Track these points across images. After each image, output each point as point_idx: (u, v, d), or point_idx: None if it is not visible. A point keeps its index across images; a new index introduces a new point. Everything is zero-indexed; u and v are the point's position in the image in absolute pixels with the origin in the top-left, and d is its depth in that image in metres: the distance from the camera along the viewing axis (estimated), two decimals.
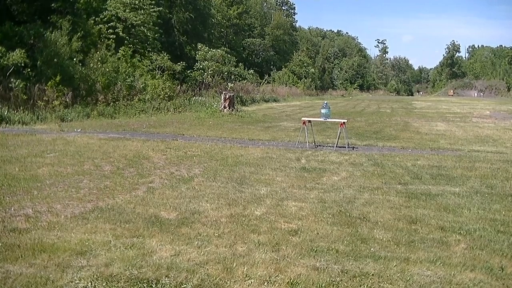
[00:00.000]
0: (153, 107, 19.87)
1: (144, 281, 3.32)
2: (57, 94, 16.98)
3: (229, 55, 34.04)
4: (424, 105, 34.78)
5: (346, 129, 11.04)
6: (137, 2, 27.10)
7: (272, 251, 4.00)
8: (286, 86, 46.25)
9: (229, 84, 29.54)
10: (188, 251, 3.94)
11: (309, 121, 11.34)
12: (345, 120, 11.38)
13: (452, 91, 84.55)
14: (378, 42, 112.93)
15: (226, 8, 49.82)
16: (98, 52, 20.89)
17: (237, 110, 20.53)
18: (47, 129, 13.07)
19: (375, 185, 6.77)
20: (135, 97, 20.45)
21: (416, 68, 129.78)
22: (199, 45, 32.53)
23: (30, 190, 5.83)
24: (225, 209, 5.28)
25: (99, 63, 20.33)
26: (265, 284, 3.38)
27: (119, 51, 22.78)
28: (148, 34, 27.24)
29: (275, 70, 52.42)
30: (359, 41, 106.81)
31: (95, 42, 22.12)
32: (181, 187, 6.28)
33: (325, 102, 11.90)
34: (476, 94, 77.23)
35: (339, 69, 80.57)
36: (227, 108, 20.02)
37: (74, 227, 4.51)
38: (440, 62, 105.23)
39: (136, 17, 26.41)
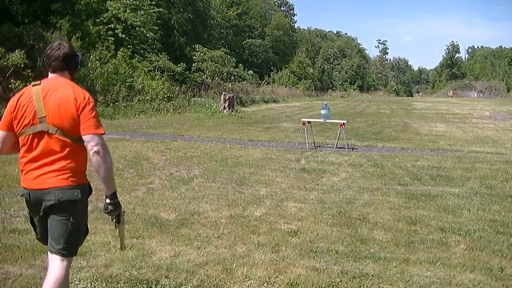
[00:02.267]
0: (153, 108, 19.86)
1: (144, 282, 3.32)
2: None
3: (228, 56, 34.03)
4: (423, 106, 34.79)
5: (346, 130, 11.04)
6: (137, 2, 27.08)
7: (272, 252, 4.00)
8: (286, 87, 46.26)
9: (226, 84, 29.54)
10: (187, 252, 3.94)
11: (309, 122, 11.34)
12: (345, 121, 11.38)
13: (451, 92, 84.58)
14: (378, 42, 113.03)
15: (226, 9, 49.83)
16: (95, 52, 20.88)
17: (236, 111, 20.53)
18: None
19: (375, 186, 6.77)
20: (134, 98, 20.45)
21: (415, 69, 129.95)
22: (197, 46, 32.54)
23: None
24: (224, 210, 5.28)
25: (97, 62, 20.31)
26: (265, 285, 3.38)
27: (119, 52, 22.78)
28: (148, 35, 27.22)
29: (276, 71, 52.43)
30: (358, 41, 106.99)
31: (94, 43, 22.11)
32: (180, 188, 6.28)
33: (325, 103, 11.91)
34: (475, 95, 77.26)
35: (339, 70, 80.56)
36: (227, 109, 20.02)
37: None
38: (440, 63, 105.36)
39: (136, 18, 26.39)
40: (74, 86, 2.52)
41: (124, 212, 2.72)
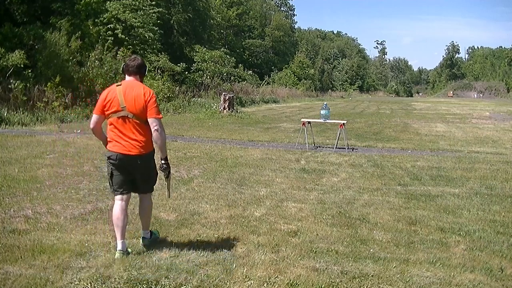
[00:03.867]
0: None
1: (144, 282, 3.32)
2: (57, 95, 16.96)
3: (228, 56, 34.02)
4: (423, 106, 34.80)
5: (346, 130, 11.04)
6: (136, 3, 27.06)
7: (272, 252, 4.00)
8: (286, 87, 46.23)
9: (226, 84, 29.55)
10: (187, 252, 3.94)
11: (309, 122, 11.34)
12: (345, 121, 11.38)
13: (451, 92, 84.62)
14: (377, 43, 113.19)
15: (226, 9, 49.82)
16: (94, 52, 20.87)
17: (236, 111, 20.51)
18: (46, 130, 13.07)
19: (375, 186, 6.77)
20: None
21: (415, 69, 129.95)
22: (197, 47, 32.54)
23: (29, 191, 5.83)
24: (224, 210, 5.28)
25: (96, 61, 20.30)
26: (265, 285, 3.38)
27: (118, 52, 22.76)
28: (148, 35, 27.21)
29: (276, 71, 52.43)
30: (358, 42, 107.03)
31: (93, 43, 22.11)
32: (180, 188, 6.28)
33: (325, 103, 11.91)
34: (475, 95, 77.27)
35: (339, 70, 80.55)
36: (227, 109, 20.00)
37: (74, 228, 4.51)
38: (439, 63, 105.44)
39: (135, 18, 26.38)
40: (144, 86, 3.84)
41: (171, 174, 4.28)
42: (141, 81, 3.93)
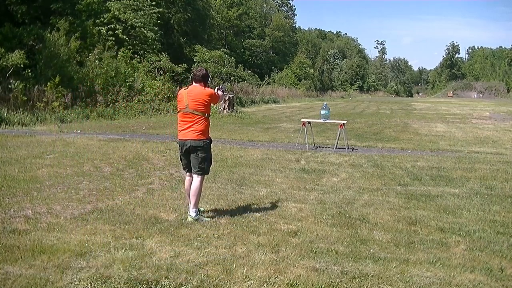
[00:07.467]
0: (153, 108, 19.85)
1: (144, 282, 3.32)
2: (57, 95, 16.97)
3: (228, 56, 34.03)
4: (423, 107, 34.79)
5: (346, 130, 11.04)
6: (137, 3, 27.06)
7: (272, 252, 4.00)
8: (286, 87, 46.22)
9: (225, 84, 29.57)
10: (187, 252, 3.94)
11: (309, 122, 11.33)
12: (345, 121, 11.37)
13: (451, 92, 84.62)
14: (377, 43, 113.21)
15: (226, 10, 49.82)
16: (94, 51, 20.86)
17: (236, 111, 20.52)
18: (46, 130, 13.07)
19: (375, 186, 6.77)
20: (134, 98, 20.43)
21: (415, 69, 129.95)
22: (197, 47, 32.56)
23: (29, 191, 5.83)
24: (224, 210, 5.28)
25: (96, 61, 20.29)
26: (265, 285, 3.38)
27: (119, 52, 22.76)
28: (148, 35, 27.21)
29: (276, 71, 52.42)
30: (358, 42, 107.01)
31: (94, 44, 22.11)
32: (180, 188, 6.26)
33: (325, 103, 11.90)
34: (475, 96, 77.28)
35: (339, 70, 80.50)
36: (227, 109, 20.01)
37: (74, 228, 4.51)
38: (440, 63, 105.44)
39: (136, 19, 26.38)
40: (202, 89, 4.95)
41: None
42: (205, 86, 5.00)
